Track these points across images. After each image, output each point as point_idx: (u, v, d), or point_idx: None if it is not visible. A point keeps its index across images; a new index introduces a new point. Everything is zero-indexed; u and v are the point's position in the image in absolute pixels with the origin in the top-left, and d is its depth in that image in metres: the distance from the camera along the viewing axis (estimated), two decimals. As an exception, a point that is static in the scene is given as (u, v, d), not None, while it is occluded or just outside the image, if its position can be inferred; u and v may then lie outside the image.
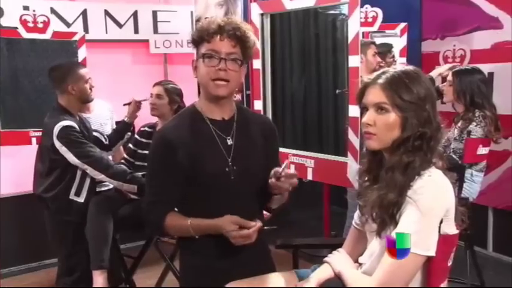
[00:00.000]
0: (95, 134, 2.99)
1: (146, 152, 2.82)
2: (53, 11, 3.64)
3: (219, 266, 1.72)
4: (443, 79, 3.29)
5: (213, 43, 1.65)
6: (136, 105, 3.11)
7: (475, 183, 3.01)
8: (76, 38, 3.62)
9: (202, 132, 1.72)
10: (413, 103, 1.42)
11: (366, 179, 1.58)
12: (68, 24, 3.73)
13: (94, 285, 2.65)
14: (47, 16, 3.53)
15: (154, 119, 3.10)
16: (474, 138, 2.91)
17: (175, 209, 1.75)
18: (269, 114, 3.46)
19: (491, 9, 3.65)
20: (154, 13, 4.05)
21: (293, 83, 3.49)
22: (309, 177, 3.24)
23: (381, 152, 1.51)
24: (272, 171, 1.66)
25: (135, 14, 3.98)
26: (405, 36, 4.11)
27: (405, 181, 1.40)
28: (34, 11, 3.49)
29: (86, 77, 2.84)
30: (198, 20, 3.82)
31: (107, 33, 3.90)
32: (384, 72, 1.48)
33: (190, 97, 2.97)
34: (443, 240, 1.40)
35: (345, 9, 2.99)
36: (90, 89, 2.87)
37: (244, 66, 1.72)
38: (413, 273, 1.40)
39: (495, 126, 2.95)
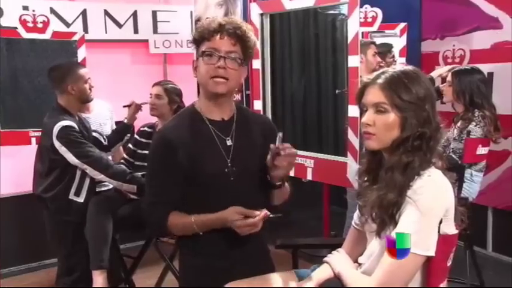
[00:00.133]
0: (94, 134, 2.99)
1: (146, 152, 2.82)
2: (52, 11, 3.64)
3: (219, 266, 1.71)
4: (443, 80, 3.29)
5: (213, 41, 1.65)
6: (137, 108, 3.12)
7: (474, 183, 3.01)
8: (76, 38, 3.61)
9: (202, 132, 1.72)
10: (412, 103, 1.42)
11: (366, 179, 1.58)
12: (68, 24, 3.73)
13: (94, 285, 2.65)
14: (46, 16, 3.53)
15: (154, 119, 3.10)
16: (474, 138, 2.91)
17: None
18: (269, 114, 3.46)
19: (490, 9, 3.65)
20: (154, 13, 4.04)
21: (293, 83, 3.49)
22: (309, 177, 3.24)
23: (380, 152, 1.51)
24: (271, 147, 1.64)
25: (134, 14, 3.98)
26: (405, 36, 4.12)
27: (405, 181, 1.40)
28: (34, 11, 3.49)
29: (85, 77, 2.84)
30: (197, 20, 3.82)
31: (106, 33, 3.90)
32: (383, 73, 1.48)
33: (190, 97, 2.96)
34: (443, 240, 1.41)
35: (344, 9, 2.99)
36: (90, 89, 2.87)
37: (244, 66, 1.72)
38: (412, 273, 1.40)
39: (495, 126, 2.95)
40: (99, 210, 2.73)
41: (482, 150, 2.93)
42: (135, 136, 3.11)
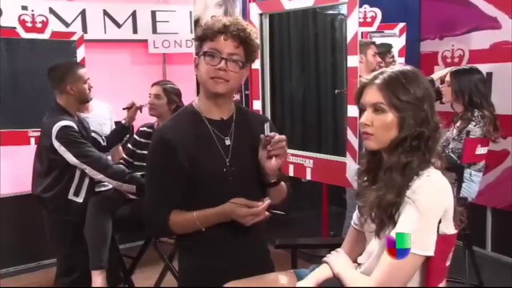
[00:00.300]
0: (93, 135, 2.99)
1: (145, 152, 2.82)
2: (51, 11, 3.64)
3: (218, 266, 1.71)
4: (442, 81, 3.30)
5: (216, 42, 1.65)
6: (136, 110, 3.12)
7: (473, 183, 3.01)
8: (75, 38, 3.61)
9: (201, 132, 1.72)
10: (410, 103, 1.42)
11: (365, 179, 1.58)
12: (67, 24, 3.73)
13: (93, 285, 2.65)
14: (45, 16, 3.53)
15: (153, 119, 3.10)
16: (473, 138, 2.91)
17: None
18: (268, 114, 3.45)
19: (489, 10, 3.66)
20: (153, 13, 4.05)
21: (292, 83, 3.48)
22: (308, 177, 3.24)
23: (380, 153, 1.52)
24: (260, 138, 1.66)
25: (133, 14, 3.98)
26: (404, 36, 4.12)
27: (403, 181, 1.40)
28: (33, 11, 3.49)
29: (84, 77, 2.84)
30: (197, 20, 3.82)
31: (105, 33, 3.90)
32: (381, 73, 1.48)
33: (189, 97, 2.96)
34: (442, 240, 1.41)
35: (343, 9, 2.99)
36: (89, 89, 2.87)
37: (245, 68, 1.72)
38: (411, 273, 1.40)
39: (494, 125, 2.95)
40: (98, 210, 2.73)
41: (481, 150, 2.94)
42: (134, 136, 3.11)
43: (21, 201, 3.52)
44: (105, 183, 2.97)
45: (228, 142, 1.74)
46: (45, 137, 2.73)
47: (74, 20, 3.76)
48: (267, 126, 1.67)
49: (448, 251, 1.48)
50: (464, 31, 3.84)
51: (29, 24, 3.47)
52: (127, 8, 3.97)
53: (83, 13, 3.78)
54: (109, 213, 2.74)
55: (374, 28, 4.02)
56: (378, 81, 1.46)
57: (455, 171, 2.71)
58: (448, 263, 1.49)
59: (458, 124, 3.03)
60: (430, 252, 1.38)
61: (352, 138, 2.89)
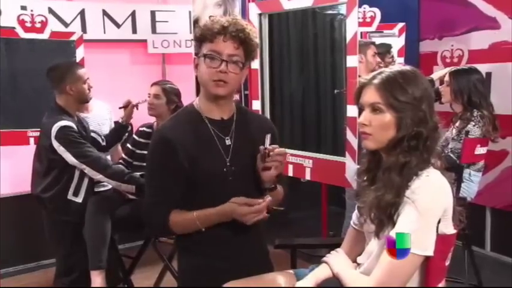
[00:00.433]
0: (92, 134, 2.99)
1: (144, 152, 2.82)
2: (50, 11, 3.63)
3: (217, 266, 1.71)
4: (442, 81, 3.30)
5: (216, 43, 1.64)
6: (133, 108, 3.12)
7: (473, 183, 3.02)
8: (74, 38, 3.61)
9: (201, 132, 1.72)
10: (408, 103, 1.42)
11: (365, 178, 1.58)
12: (66, 24, 3.72)
13: (92, 285, 2.65)
14: (44, 16, 3.53)
15: (152, 119, 3.09)
16: (472, 138, 2.91)
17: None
18: (267, 114, 3.45)
19: (488, 10, 3.66)
20: (153, 13, 4.04)
21: (291, 83, 3.48)
22: (307, 177, 3.24)
23: (379, 152, 1.52)
24: (260, 149, 1.66)
25: (133, 14, 3.98)
26: (403, 36, 4.12)
27: (402, 182, 1.40)
28: (32, 11, 3.49)
29: (84, 78, 2.84)
30: (196, 20, 3.82)
31: (105, 33, 3.89)
32: (380, 73, 1.49)
33: (188, 97, 2.96)
34: (441, 240, 1.41)
35: (343, 9, 2.99)
36: (89, 89, 2.87)
37: (246, 68, 1.72)
38: (411, 273, 1.40)
39: (493, 125, 2.96)
40: (97, 211, 2.73)
41: (480, 150, 2.94)
42: (134, 136, 3.11)
43: (21, 201, 3.52)
44: (105, 183, 2.97)
45: (228, 142, 1.74)
46: (45, 137, 2.72)
47: (73, 20, 3.75)
48: (267, 137, 1.67)
49: (448, 250, 1.48)
50: (464, 31, 3.84)
51: (28, 24, 3.46)
52: (126, 8, 3.96)
53: (82, 13, 3.78)
54: (108, 213, 2.74)
55: (373, 28, 4.02)
56: (375, 81, 1.46)
57: (454, 171, 2.71)
58: (447, 263, 1.50)
59: (457, 124, 3.03)
60: (430, 252, 1.38)
61: (352, 138, 2.89)
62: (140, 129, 3.10)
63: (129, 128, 3.26)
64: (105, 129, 3.28)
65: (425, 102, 1.44)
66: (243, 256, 1.73)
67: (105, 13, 3.88)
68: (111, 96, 3.45)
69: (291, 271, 1.76)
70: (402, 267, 1.37)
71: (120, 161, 3.08)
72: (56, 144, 2.66)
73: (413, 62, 3.71)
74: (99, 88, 3.10)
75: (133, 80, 3.91)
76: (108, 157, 3.20)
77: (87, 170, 2.70)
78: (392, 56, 4.10)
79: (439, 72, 3.65)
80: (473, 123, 2.93)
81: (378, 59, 3.61)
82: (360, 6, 3.23)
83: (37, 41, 3.50)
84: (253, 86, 3.55)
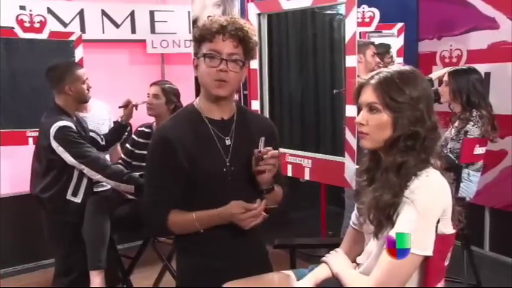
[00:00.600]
0: (91, 134, 2.98)
1: (144, 152, 2.82)
2: (49, 10, 3.64)
3: (216, 266, 1.71)
4: (440, 82, 3.30)
5: (215, 43, 1.64)
6: (133, 108, 3.12)
7: (472, 183, 3.02)
8: (73, 38, 3.61)
9: (201, 131, 1.72)
10: (405, 103, 1.42)
11: (365, 178, 1.58)
12: (65, 24, 3.72)
13: (91, 286, 2.65)
14: (43, 16, 3.53)
15: (151, 119, 3.09)
16: (471, 138, 2.91)
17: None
18: (266, 114, 3.45)
19: (487, 10, 3.66)
20: (152, 13, 4.05)
21: (290, 83, 3.48)
22: (306, 177, 3.24)
23: (379, 152, 1.52)
24: (254, 152, 1.66)
25: (132, 14, 3.98)
26: (402, 36, 4.13)
27: (400, 182, 1.40)
28: (31, 10, 3.49)
29: (83, 78, 2.84)
30: (195, 20, 3.82)
31: (104, 33, 3.90)
32: (378, 73, 1.49)
33: (188, 97, 2.96)
34: (440, 239, 1.41)
35: (342, 9, 3.00)
36: (88, 89, 2.87)
37: (245, 67, 1.72)
38: (410, 273, 1.40)
39: (492, 125, 2.96)
40: (96, 211, 2.73)
41: (479, 150, 2.94)
42: (133, 136, 3.11)
43: (21, 201, 3.52)
44: (104, 184, 2.97)
45: (228, 142, 1.74)
46: (44, 137, 2.72)
47: (72, 20, 3.75)
48: (261, 140, 1.66)
49: (447, 250, 1.48)
50: (463, 31, 3.85)
51: (27, 24, 3.47)
52: (125, 8, 3.96)
53: (81, 13, 3.78)
54: (107, 214, 2.73)
55: (372, 28, 4.03)
56: (373, 81, 1.47)
57: (453, 171, 2.70)
58: (446, 263, 1.50)
59: (456, 124, 3.03)
60: (429, 252, 1.38)
61: (351, 138, 2.89)
62: (139, 129, 3.10)
63: (129, 128, 3.26)
64: (104, 129, 3.28)
65: (423, 102, 1.43)
66: (242, 256, 1.73)
67: (104, 13, 3.88)
68: (110, 96, 3.45)
69: (291, 271, 1.76)
70: (402, 267, 1.37)
71: (119, 161, 3.08)
72: (54, 144, 2.66)
73: (412, 62, 3.71)
74: (98, 88, 3.10)
75: (133, 80, 3.91)
76: (107, 157, 3.20)
77: (86, 170, 2.70)
78: (392, 56, 4.09)
79: (438, 72, 3.65)
80: (472, 123, 2.94)
81: (377, 59, 3.61)
82: (359, 6, 3.23)
83: (36, 41, 3.50)
84: (253, 86, 3.55)
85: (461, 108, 3.04)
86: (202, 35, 1.66)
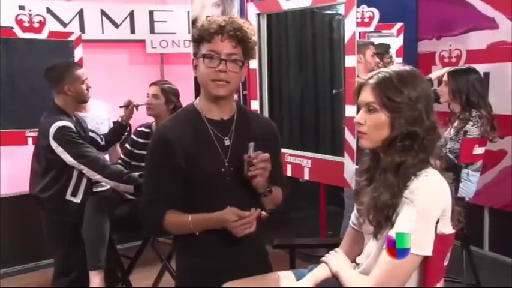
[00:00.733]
0: (91, 134, 2.98)
1: (143, 152, 2.82)
2: (48, 10, 3.64)
3: (216, 266, 1.71)
4: (440, 81, 3.31)
5: (214, 43, 1.64)
6: (133, 108, 3.12)
7: (471, 183, 3.02)
8: (72, 38, 3.61)
9: (200, 132, 1.72)
10: (402, 103, 1.42)
11: (365, 177, 1.58)
12: (64, 24, 3.72)
13: (90, 286, 2.65)
14: (42, 16, 3.53)
15: (151, 119, 3.09)
16: (470, 138, 2.91)
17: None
18: (266, 114, 3.46)
19: (487, 10, 3.66)
20: (151, 13, 4.05)
21: (290, 83, 3.49)
22: (306, 177, 3.25)
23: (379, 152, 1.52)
24: (244, 158, 1.65)
25: (131, 14, 3.98)
26: (401, 36, 4.13)
27: (398, 182, 1.41)
28: (30, 10, 3.49)
29: (82, 78, 2.84)
30: (194, 20, 3.82)
31: (103, 33, 3.90)
32: (377, 73, 1.49)
33: (187, 97, 2.97)
34: (440, 239, 1.41)
35: (341, 9, 3.00)
36: (87, 89, 2.86)
37: (245, 66, 1.72)
38: (410, 272, 1.40)
39: (491, 125, 2.96)
40: (96, 211, 2.73)
41: (478, 150, 2.94)
42: (132, 136, 3.11)
43: (20, 201, 3.51)
44: (103, 184, 2.96)
45: (227, 142, 1.74)
46: (43, 137, 2.72)
47: (72, 20, 3.75)
48: (251, 146, 1.66)
49: (446, 250, 1.48)
50: (462, 31, 3.85)
51: (26, 24, 3.46)
52: (125, 8, 3.96)
53: (80, 13, 3.78)
54: (107, 214, 2.73)
55: (372, 28, 4.03)
56: (371, 81, 1.47)
57: (452, 171, 2.71)
58: (445, 263, 1.50)
59: (455, 124, 3.03)
60: (428, 252, 1.38)
61: (350, 138, 2.90)
62: (138, 129, 3.10)
63: (128, 128, 3.26)
64: (103, 129, 3.28)
65: (421, 102, 1.43)
66: (241, 256, 1.73)
67: (103, 13, 3.88)
68: (110, 97, 3.45)
69: (290, 271, 1.76)
70: (401, 267, 1.38)
71: (119, 161, 3.08)
72: (54, 144, 2.65)
73: (411, 62, 3.70)
74: (98, 88, 3.10)
75: (132, 80, 3.91)
76: (106, 157, 3.20)
77: (86, 170, 2.70)
78: (391, 56, 4.10)
79: (438, 72, 3.65)
80: (472, 123, 2.94)
81: (377, 59, 3.62)
82: (358, 6, 3.23)
83: (35, 41, 3.49)
84: (252, 86, 3.55)
85: (461, 108, 3.04)
86: (201, 36, 1.67)
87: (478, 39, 3.72)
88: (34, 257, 3.72)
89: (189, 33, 4.02)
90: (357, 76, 2.80)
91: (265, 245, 1.88)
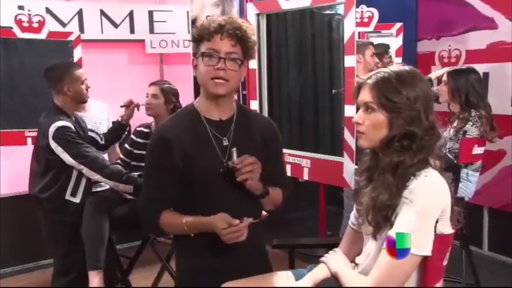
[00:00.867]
0: (90, 134, 2.98)
1: (142, 152, 2.82)
2: (48, 10, 3.63)
3: (216, 267, 1.71)
4: (440, 81, 3.31)
5: (213, 42, 1.64)
6: (134, 108, 3.12)
7: (470, 182, 3.02)
8: (71, 38, 3.60)
9: (199, 132, 1.72)
10: (400, 103, 1.42)
11: (364, 177, 1.58)
12: (64, 24, 3.72)
13: (90, 286, 2.65)
14: (42, 16, 3.52)
15: (150, 119, 3.09)
16: (470, 138, 2.91)
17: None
18: (265, 114, 3.46)
19: (486, 10, 3.67)
20: (150, 13, 4.04)
21: (289, 83, 3.49)
22: (305, 177, 3.25)
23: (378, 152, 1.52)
24: (228, 165, 1.65)
25: (131, 14, 3.98)
26: (401, 36, 4.13)
27: (397, 182, 1.41)
28: (29, 10, 3.48)
29: (82, 78, 2.83)
30: (194, 20, 3.82)
31: (102, 33, 3.89)
32: (376, 73, 1.49)
33: (186, 97, 2.97)
34: (439, 239, 1.41)
35: (340, 9, 3.00)
36: (86, 89, 2.86)
37: (244, 66, 1.72)
38: (409, 272, 1.40)
39: (490, 125, 2.96)
40: (95, 211, 2.73)
41: (478, 150, 2.94)
42: (132, 136, 3.11)
43: (20, 201, 3.51)
44: (102, 184, 2.97)
45: (226, 142, 1.73)
46: (42, 137, 2.72)
47: (71, 20, 3.75)
48: (234, 151, 1.65)
49: (445, 250, 1.48)
50: (461, 31, 3.85)
51: (25, 24, 3.46)
52: (124, 8, 3.96)
53: (79, 13, 3.78)
54: (106, 214, 2.74)
55: (371, 28, 4.03)
56: (370, 81, 1.48)
57: (452, 171, 2.72)
58: (445, 263, 1.50)
59: (455, 124, 3.03)
60: (428, 252, 1.38)
61: (350, 138, 2.90)
62: (138, 129, 3.09)
63: (128, 128, 3.26)
64: (103, 129, 3.27)
65: (420, 102, 1.43)
66: (241, 256, 1.73)
67: (102, 13, 3.88)
68: (109, 97, 3.45)
69: (289, 271, 1.76)
70: (400, 267, 1.38)
71: (118, 161, 3.08)
72: (53, 144, 2.65)
73: (411, 62, 3.69)
74: (97, 88, 3.10)
75: (132, 80, 3.90)
76: (106, 157, 3.20)
77: (85, 170, 2.70)
78: (390, 56, 4.10)
79: (437, 72, 3.65)
80: (471, 123, 2.94)
81: (376, 59, 3.62)
82: (357, 6, 3.24)
83: (34, 41, 3.49)
84: (251, 86, 3.55)
85: (460, 108, 3.04)
86: (201, 35, 1.67)
87: (478, 39, 3.73)
88: (34, 257, 3.72)
89: (188, 33, 4.02)
90: (356, 76, 2.80)
91: (264, 245, 1.88)
